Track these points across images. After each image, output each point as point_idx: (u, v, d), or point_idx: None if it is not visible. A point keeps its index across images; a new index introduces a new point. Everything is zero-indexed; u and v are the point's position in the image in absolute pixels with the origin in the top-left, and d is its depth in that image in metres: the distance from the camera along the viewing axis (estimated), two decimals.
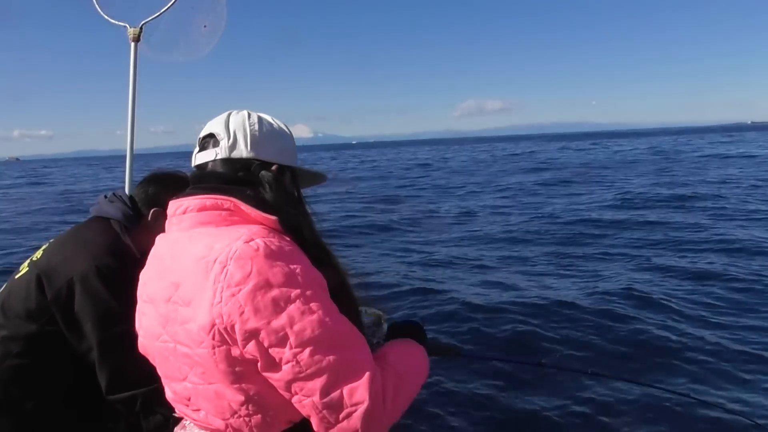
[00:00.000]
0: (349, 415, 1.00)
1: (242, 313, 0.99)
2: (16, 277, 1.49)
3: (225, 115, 1.25)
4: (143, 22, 2.49)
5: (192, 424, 1.18)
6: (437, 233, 10.26)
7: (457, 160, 39.01)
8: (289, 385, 1.01)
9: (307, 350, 0.99)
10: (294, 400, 1.03)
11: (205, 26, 2.56)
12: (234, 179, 1.20)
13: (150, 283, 1.19)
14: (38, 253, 1.52)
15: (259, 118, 1.25)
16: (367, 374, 1.02)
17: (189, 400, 1.14)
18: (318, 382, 1.00)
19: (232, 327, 1.00)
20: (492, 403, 3.96)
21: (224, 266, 1.02)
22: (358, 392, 1.00)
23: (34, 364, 1.40)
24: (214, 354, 1.03)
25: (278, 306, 0.99)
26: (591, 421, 3.81)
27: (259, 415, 1.09)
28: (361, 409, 1.00)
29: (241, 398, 1.07)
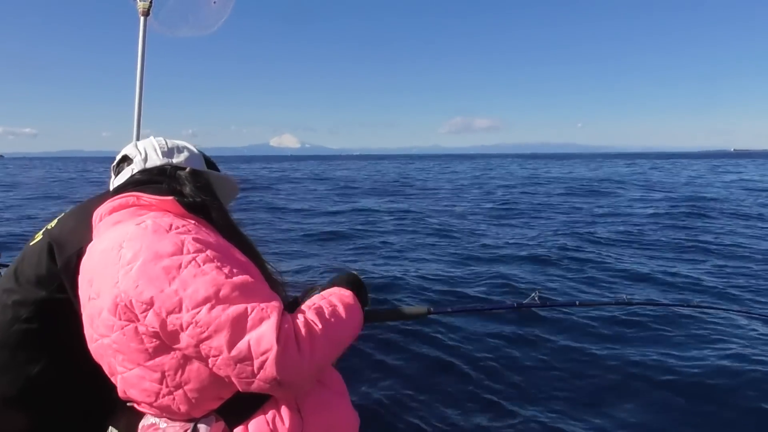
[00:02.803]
0: (262, 365, 0.99)
1: (137, 286, 1.02)
2: (31, 244, 1.50)
3: (132, 143, 1.41)
4: None
5: (148, 414, 1.19)
6: None
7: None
8: (198, 350, 1.01)
9: (204, 309, 0.99)
10: (210, 364, 1.03)
11: (214, 2, 2.58)
12: (151, 182, 1.28)
13: (80, 293, 1.21)
14: (53, 222, 1.53)
15: (164, 138, 1.41)
16: (271, 321, 1.01)
17: (125, 393, 1.15)
18: (222, 338, 0.99)
19: (131, 302, 1.03)
20: (468, 354, 4.02)
21: (119, 250, 1.07)
22: (264, 339, 0.99)
23: (41, 329, 1.40)
24: (124, 335, 1.06)
25: (170, 274, 1.02)
26: (576, 351, 3.94)
27: (181, 391, 1.09)
28: (272, 355, 0.99)
29: (158, 375, 1.08)
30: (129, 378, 1.11)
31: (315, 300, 1.18)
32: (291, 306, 1.35)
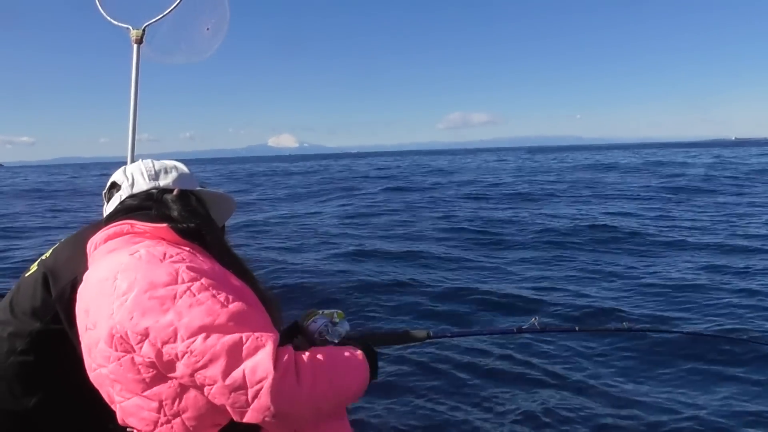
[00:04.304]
0: (257, 393, 0.99)
1: (132, 318, 1.02)
2: (26, 275, 1.49)
3: (121, 168, 1.42)
4: (146, 24, 2.48)
5: None
6: None
7: None
8: (193, 379, 1.01)
9: (199, 338, 1.00)
10: (206, 393, 1.03)
11: (207, 29, 2.57)
12: (141, 207, 1.28)
13: (78, 323, 1.21)
14: (48, 252, 1.52)
15: (152, 160, 1.41)
16: (267, 349, 1.00)
17: (124, 421, 1.15)
18: (217, 367, 0.99)
19: (126, 334, 1.03)
20: (475, 377, 3.96)
21: (114, 281, 1.07)
22: (260, 367, 0.99)
23: (37, 361, 1.39)
24: (121, 365, 1.06)
25: (165, 304, 1.02)
26: (577, 375, 3.86)
27: (179, 420, 1.08)
28: (267, 383, 0.98)
29: (155, 404, 1.08)
30: (127, 407, 1.11)
31: (326, 347, 1.19)
32: (291, 328, 1.37)
